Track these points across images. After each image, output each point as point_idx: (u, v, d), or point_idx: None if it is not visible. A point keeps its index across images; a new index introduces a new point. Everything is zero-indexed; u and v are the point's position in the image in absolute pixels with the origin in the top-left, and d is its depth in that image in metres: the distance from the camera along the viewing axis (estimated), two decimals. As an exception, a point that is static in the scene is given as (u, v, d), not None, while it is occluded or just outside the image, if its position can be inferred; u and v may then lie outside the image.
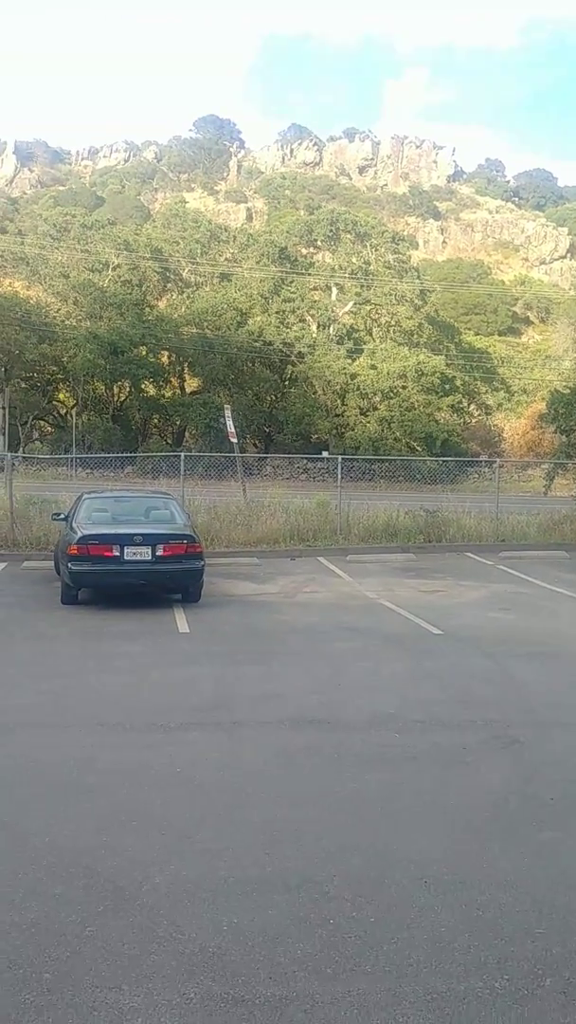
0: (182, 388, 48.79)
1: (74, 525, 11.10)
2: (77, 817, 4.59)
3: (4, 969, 3.27)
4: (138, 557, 10.46)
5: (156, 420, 48.15)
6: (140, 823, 4.54)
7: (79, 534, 10.61)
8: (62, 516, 12.32)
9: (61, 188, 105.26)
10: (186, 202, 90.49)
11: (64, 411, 47.41)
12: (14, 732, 6.00)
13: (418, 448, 40.96)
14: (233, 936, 3.50)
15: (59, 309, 48.14)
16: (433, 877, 4.00)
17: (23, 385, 45.99)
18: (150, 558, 10.47)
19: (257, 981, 3.22)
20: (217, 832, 4.44)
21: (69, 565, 10.43)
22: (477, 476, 29.95)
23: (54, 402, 48.56)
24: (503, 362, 57.48)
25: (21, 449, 39.29)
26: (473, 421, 51.41)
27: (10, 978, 3.21)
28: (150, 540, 10.57)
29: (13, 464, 16.73)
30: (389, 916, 3.66)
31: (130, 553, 10.44)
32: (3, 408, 42.41)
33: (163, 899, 3.78)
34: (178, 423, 46.82)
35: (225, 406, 21.20)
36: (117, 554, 10.41)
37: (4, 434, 41.83)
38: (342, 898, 3.80)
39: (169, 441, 46.04)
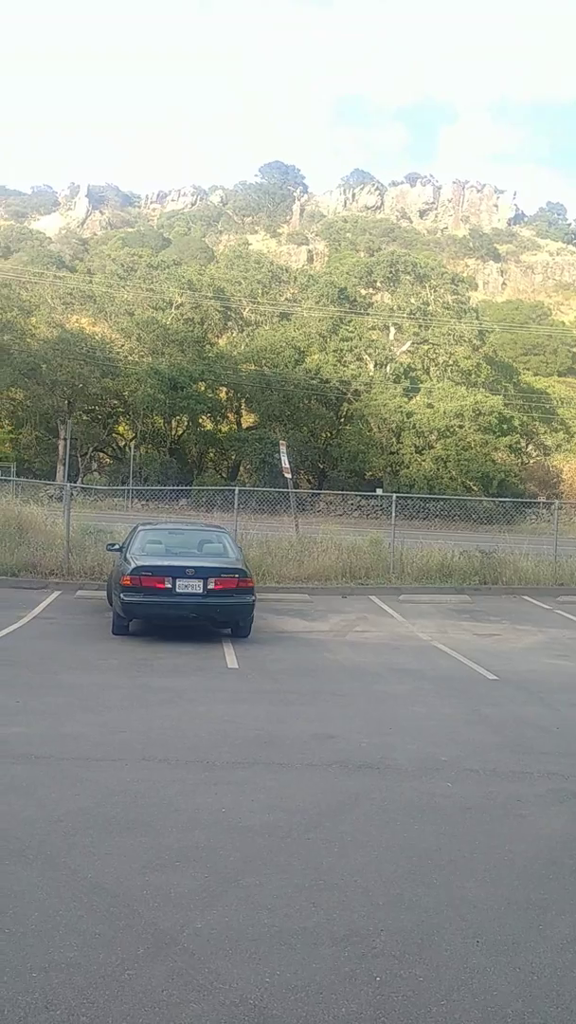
0: (239, 423, 49.39)
1: (128, 556, 11.18)
2: (120, 854, 4.52)
3: (40, 1009, 3.19)
4: (190, 590, 10.47)
5: (212, 454, 48.77)
6: (184, 864, 4.44)
7: (132, 565, 10.67)
8: (117, 547, 12.44)
9: (130, 230, 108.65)
10: (249, 244, 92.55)
11: (123, 443, 48.41)
12: (60, 764, 5.98)
13: (474, 488, 40.54)
14: (275, 989, 3.37)
15: (123, 345, 49.39)
16: (486, 936, 3.81)
17: (85, 417, 47.18)
18: (201, 591, 10.47)
19: (299, 1039, 3.08)
20: (262, 878, 4.31)
21: (121, 596, 10.50)
22: (535, 518, 29.40)
23: (114, 434, 49.66)
24: (563, 403, 56.67)
25: (80, 479, 40.18)
26: (531, 462, 50.68)
27: (46, 1019, 3.13)
28: (202, 573, 10.58)
29: (71, 494, 17.03)
30: (439, 976, 3.49)
31: (182, 586, 10.46)
32: (65, 439, 43.44)
33: (205, 945, 3.67)
34: (233, 457, 47.31)
35: (280, 442, 21.30)
36: (169, 586, 10.44)
37: (64, 464, 42.80)
38: (390, 954, 3.64)
39: (224, 475, 46.48)
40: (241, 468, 46.49)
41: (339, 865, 4.49)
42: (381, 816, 5.22)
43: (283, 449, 19.45)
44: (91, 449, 47.47)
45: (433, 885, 4.31)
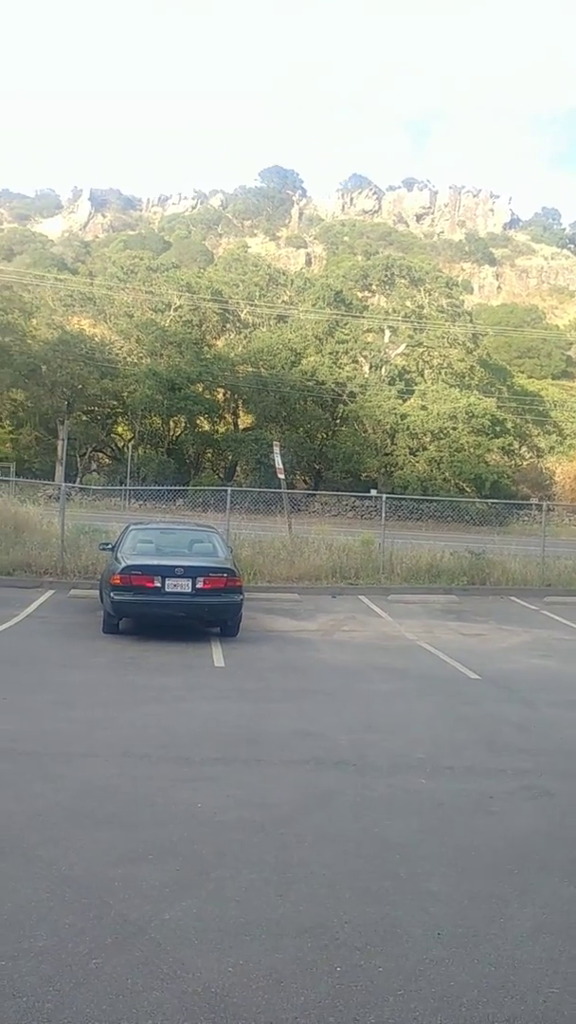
0: (235, 424, 49.51)
1: (119, 555, 11.26)
2: (95, 848, 4.59)
3: (8, 997, 3.26)
4: (178, 589, 10.55)
5: (209, 454, 48.91)
6: (156, 857, 4.52)
7: (122, 564, 10.76)
8: (109, 546, 12.50)
9: (131, 233, 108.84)
10: (248, 247, 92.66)
11: (121, 444, 48.51)
12: (42, 759, 6.05)
13: (467, 489, 40.68)
14: (238, 978, 3.44)
15: (122, 346, 49.51)
16: (447, 929, 3.89)
17: (84, 418, 47.35)
18: (190, 590, 10.55)
19: (258, 1025, 3.16)
20: (232, 871, 4.39)
21: (112, 594, 10.58)
22: (527, 519, 29.49)
23: (112, 435, 49.81)
24: (556, 405, 56.71)
25: (79, 479, 40.23)
26: (524, 463, 50.80)
27: (12, 1006, 3.20)
28: (191, 572, 10.66)
29: (68, 494, 17.09)
30: (398, 967, 3.57)
31: (171, 585, 10.54)
32: (63, 439, 43.51)
33: (171, 935, 3.74)
34: (230, 458, 47.43)
35: (274, 443, 21.34)
36: (158, 585, 10.52)
37: (62, 464, 42.86)
38: (352, 946, 3.72)
39: (221, 475, 46.56)
40: (238, 468, 46.58)
41: (309, 859, 4.57)
42: (354, 812, 5.30)
43: (277, 450, 19.49)
44: (90, 449, 47.58)
45: (399, 879, 4.39)
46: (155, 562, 10.96)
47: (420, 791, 5.72)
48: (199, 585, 10.59)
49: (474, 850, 4.80)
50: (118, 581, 10.54)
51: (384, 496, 17.87)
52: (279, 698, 8.17)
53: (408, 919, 3.97)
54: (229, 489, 17.71)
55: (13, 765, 5.88)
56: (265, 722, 7.29)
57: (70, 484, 23.82)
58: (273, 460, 19.48)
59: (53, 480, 37.38)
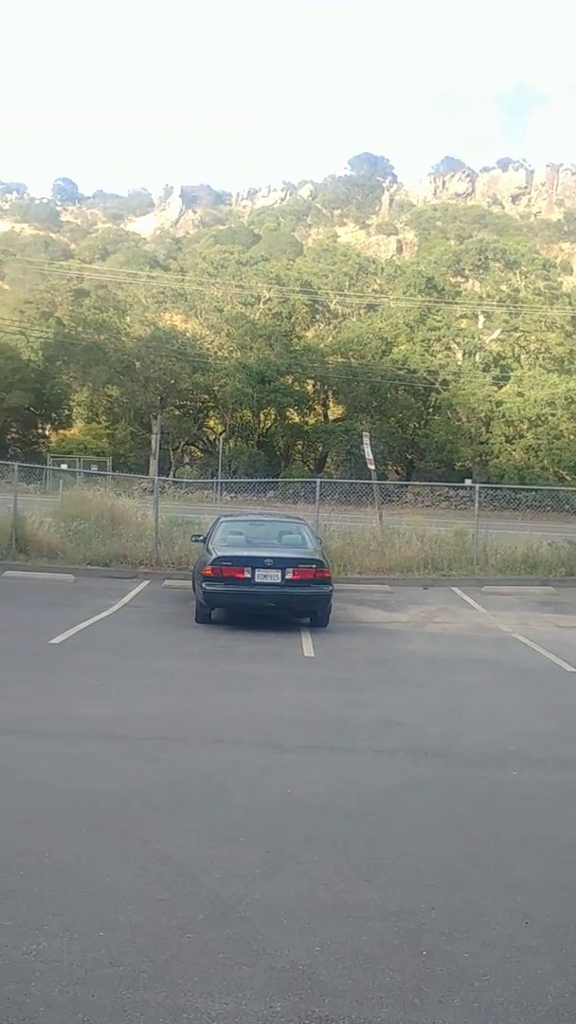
0: (325, 415, 49.58)
1: (210, 547, 11.52)
2: (188, 828, 4.76)
3: (106, 965, 3.44)
4: (268, 580, 10.71)
5: (299, 446, 49.17)
6: (247, 839, 4.65)
7: (213, 555, 11.01)
8: (201, 537, 12.79)
9: (221, 227, 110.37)
10: (338, 236, 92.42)
11: (213, 437, 49.38)
12: (138, 743, 6.30)
13: (567, 478, 39.41)
14: (324, 957, 3.52)
15: (212, 341, 50.38)
16: (535, 919, 3.86)
17: (176, 412, 48.50)
18: (279, 581, 10.70)
19: (344, 1003, 3.22)
20: (321, 855, 4.47)
21: (203, 585, 10.84)
22: (632, 508, 28.39)
23: (204, 428, 50.78)
24: None
25: (172, 472, 41.28)
26: (630, 451, 48.72)
27: (111, 974, 3.38)
28: (280, 564, 10.80)
29: (162, 487, 17.57)
30: (484, 953, 3.57)
31: (261, 576, 10.71)
32: (156, 434, 44.70)
33: (261, 914, 3.85)
34: (320, 449, 47.56)
35: (364, 433, 21.26)
36: (248, 576, 10.71)
37: (156, 458, 44.02)
38: (438, 931, 3.74)
39: (311, 467, 46.77)
40: (328, 460, 46.67)
41: (397, 846, 4.61)
42: (443, 801, 5.29)
43: (366, 440, 19.41)
44: (183, 443, 48.70)
45: (488, 868, 4.38)
46: (245, 553, 11.16)
47: (510, 782, 5.66)
48: (288, 576, 10.72)
49: (564, 842, 4.73)
50: (209, 572, 10.79)
51: (477, 486, 17.60)
52: (369, 688, 8.20)
53: (495, 907, 3.96)
54: (319, 480, 17.81)
55: (110, 748, 6.15)
56: (354, 711, 7.35)
57: (163, 477, 24.45)
58: (363, 451, 19.44)
59: (147, 474, 38.48)
